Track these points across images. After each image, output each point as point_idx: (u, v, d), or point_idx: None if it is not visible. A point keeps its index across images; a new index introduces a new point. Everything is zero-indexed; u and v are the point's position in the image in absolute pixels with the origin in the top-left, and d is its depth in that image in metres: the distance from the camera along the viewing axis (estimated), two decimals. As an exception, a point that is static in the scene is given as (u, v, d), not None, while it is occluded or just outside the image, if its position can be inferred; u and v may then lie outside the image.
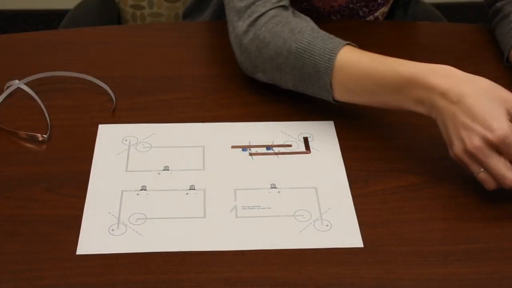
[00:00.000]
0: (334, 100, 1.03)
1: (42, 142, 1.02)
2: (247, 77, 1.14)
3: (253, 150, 1.01)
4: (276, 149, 1.01)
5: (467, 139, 0.90)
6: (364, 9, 1.30)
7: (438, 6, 1.61)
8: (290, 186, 0.96)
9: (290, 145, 1.02)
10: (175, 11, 1.52)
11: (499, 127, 0.88)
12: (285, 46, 1.02)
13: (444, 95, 0.91)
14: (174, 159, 0.99)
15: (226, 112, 1.07)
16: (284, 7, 1.07)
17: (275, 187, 0.95)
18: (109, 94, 1.10)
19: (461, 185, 0.97)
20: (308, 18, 1.06)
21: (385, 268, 0.85)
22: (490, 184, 0.91)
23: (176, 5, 1.51)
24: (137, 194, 0.94)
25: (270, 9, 1.05)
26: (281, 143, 1.02)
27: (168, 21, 1.51)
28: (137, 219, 0.91)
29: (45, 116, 1.06)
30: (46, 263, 0.85)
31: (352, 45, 1.02)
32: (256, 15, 1.05)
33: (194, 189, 0.95)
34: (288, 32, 1.03)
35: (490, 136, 0.88)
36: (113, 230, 0.89)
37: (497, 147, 0.89)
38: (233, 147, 1.02)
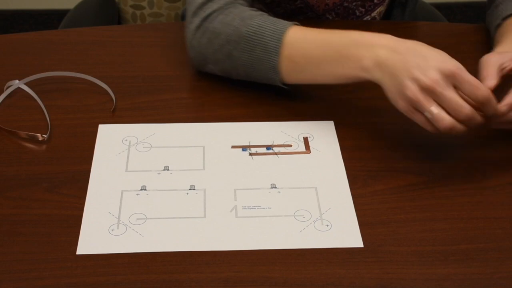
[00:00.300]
0: (282, 83, 1.05)
1: (42, 142, 1.02)
2: (247, 77, 1.14)
3: (253, 150, 1.01)
4: (276, 149, 1.01)
5: (422, 76, 0.91)
6: (360, 9, 1.30)
7: (438, 6, 1.61)
8: (290, 186, 0.96)
9: (290, 145, 1.02)
10: (175, 11, 1.52)
11: (452, 60, 0.92)
12: (236, 32, 1.05)
13: (390, 48, 0.95)
14: (174, 159, 0.99)
15: (226, 112, 1.07)
16: (240, 3, 1.09)
17: (275, 187, 0.95)
18: (109, 94, 1.10)
19: (461, 185, 0.97)
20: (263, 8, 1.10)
21: (385, 268, 0.85)
22: (446, 120, 0.91)
23: (176, 5, 1.51)
24: (137, 194, 0.94)
25: (225, 4, 1.08)
26: (281, 143, 1.02)
27: (168, 21, 1.51)
28: (137, 219, 0.91)
29: (45, 116, 1.06)
30: (46, 263, 0.85)
31: (300, 26, 1.05)
32: (209, 11, 1.08)
33: (194, 189, 0.95)
34: (239, 20, 1.06)
35: (446, 66, 0.90)
36: (113, 230, 0.89)
37: (453, 79, 0.90)
38: (233, 147, 1.02)
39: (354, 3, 1.28)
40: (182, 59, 1.19)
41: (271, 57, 1.03)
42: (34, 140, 1.02)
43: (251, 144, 1.02)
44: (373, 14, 1.32)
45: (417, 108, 0.93)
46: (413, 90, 0.92)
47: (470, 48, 1.25)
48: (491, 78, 0.97)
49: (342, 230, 0.90)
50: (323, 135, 1.04)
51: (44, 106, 1.07)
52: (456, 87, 0.91)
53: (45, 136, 1.02)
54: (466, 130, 0.93)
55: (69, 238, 0.88)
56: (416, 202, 0.94)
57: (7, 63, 1.19)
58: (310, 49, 1.01)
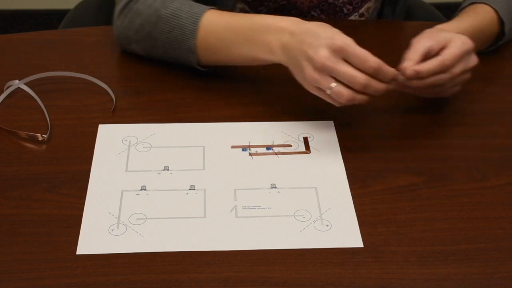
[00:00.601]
0: (199, 65, 1.10)
1: (42, 142, 1.02)
2: (247, 77, 1.14)
3: (253, 150, 1.01)
4: (276, 149, 1.01)
5: (314, 55, 0.95)
6: (348, 6, 1.30)
7: (438, 6, 1.60)
8: (290, 186, 0.96)
9: (290, 145, 1.02)
10: (175, 11, 1.51)
11: (342, 35, 0.95)
12: (156, 13, 1.10)
13: (291, 31, 0.99)
14: (174, 159, 0.99)
15: (226, 112, 1.07)
16: None
17: (275, 187, 0.95)
18: (109, 94, 1.10)
19: (461, 185, 0.97)
20: None
21: (385, 268, 0.85)
22: (344, 93, 0.95)
23: (176, 5, 1.51)
24: (137, 194, 0.94)
25: None
26: (281, 143, 1.02)
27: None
28: (137, 219, 0.91)
29: (45, 116, 1.06)
30: (46, 263, 0.85)
31: (217, 10, 1.10)
32: None
33: (194, 189, 0.95)
34: (160, 2, 1.11)
35: (334, 42, 0.94)
36: (113, 230, 0.89)
37: (342, 54, 0.94)
38: (233, 147, 1.02)
39: (340, 0, 1.29)
40: (182, 59, 1.18)
41: (188, 40, 1.08)
42: (34, 140, 1.02)
43: (251, 144, 1.02)
44: (361, 11, 1.32)
45: (318, 86, 0.97)
46: (309, 70, 0.96)
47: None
48: (411, 61, 0.98)
49: (342, 230, 0.90)
50: (323, 135, 1.04)
51: (44, 106, 1.07)
52: (346, 61, 0.95)
53: (45, 136, 1.02)
54: (368, 98, 0.96)
55: (69, 238, 0.88)
56: (416, 202, 0.94)
57: (7, 63, 1.19)
58: (223, 32, 1.06)
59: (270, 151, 1.01)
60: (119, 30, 1.16)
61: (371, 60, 0.94)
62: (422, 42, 1.00)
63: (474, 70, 1.04)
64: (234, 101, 1.10)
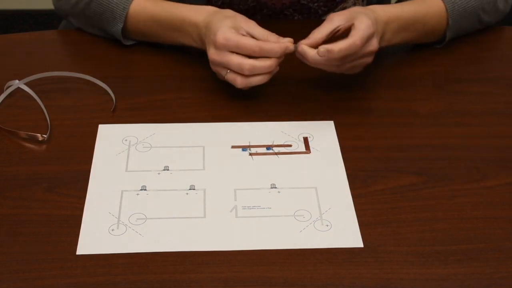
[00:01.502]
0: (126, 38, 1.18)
1: (42, 142, 1.02)
2: (247, 77, 1.14)
3: (253, 150, 1.01)
4: (276, 149, 1.01)
5: (208, 50, 1.05)
6: (323, 8, 1.30)
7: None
8: (290, 186, 0.96)
9: (290, 145, 1.02)
10: (175, 11, 1.51)
11: (222, 31, 1.02)
12: None
13: (203, 27, 1.07)
14: (174, 159, 0.99)
15: (226, 112, 1.07)
16: None
17: (275, 187, 0.95)
18: (109, 94, 1.10)
19: (461, 185, 0.97)
20: None
21: (385, 268, 0.85)
22: (236, 79, 1.03)
23: (176, 5, 1.51)
24: (137, 194, 0.94)
25: None
26: (281, 143, 1.02)
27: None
28: (137, 219, 0.91)
29: (45, 116, 1.06)
30: (46, 263, 0.85)
31: None
32: None
33: (194, 189, 0.95)
34: None
35: (216, 39, 1.02)
36: (113, 230, 0.89)
37: (226, 48, 1.02)
38: (233, 147, 1.02)
39: (315, 4, 1.29)
40: (182, 59, 1.18)
41: (117, 24, 1.15)
42: (34, 140, 1.02)
43: (251, 144, 1.02)
44: (335, 10, 1.31)
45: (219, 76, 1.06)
46: (210, 63, 1.06)
47: (469, 48, 1.24)
48: (314, 38, 1.03)
49: (342, 230, 0.90)
50: (323, 135, 1.04)
51: (44, 106, 1.07)
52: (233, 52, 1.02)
53: (45, 136, 1.02)
54: (267, 76, 1.03)
55: (69, 238, 0.88)
56: (416, 202, 0.94)
57: (7, 63, 1.19)
58: (150, 21, 1.14)
59: (270, 151, 1.01)
60: (57, 2, 1.23)
61: (251, 44, 1.01)
62: (333, 20, 1.04)
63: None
64: (234, 101, 1.10)
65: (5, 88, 1.11)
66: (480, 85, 1.16)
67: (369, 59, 1.06)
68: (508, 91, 1.15)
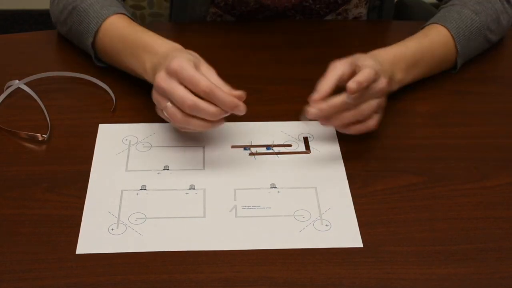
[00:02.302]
0: (97, 59, 1.15)
1: (42, 142, 1.02)
2: (246, 77, 1.14)
3: (253, 150, 1.01)
4: (276, 149, 1.01)
5: (156, 76, 0.95)
6: (324, 9, 1.30)
7: (437, 6, 1.60)
8: (290, 186, 0.96)
9: (290, 145, 1.02)
10: (175, 11, 1.51)
11: (179, 59, 0.94)
12: (73, 3, 1.15)
13: (161, 57, 0.99)
14: (174, 159, 0.99)
15: (226, 112, 1.07)
16: None
17: (275, 187, 0.95)
18: (109, 94, 1.10)
19: (461, 185, 0.97)
20: None
21: (385, 268, 0.85)
22: (177, 116, 0.93)
23: (176, 5, 1.51)
24: (137, 194, 0.94)
25: None
26: (281, 143, 1.02)
27: (168, 21, 1.50)
28: (137, 218, 0.91)
29: (45, 116, 1.06)
30: (46, 263, 0.85)
31: (127, 15, 1.13)
32: None
33: (194, 188, 0.95)
34: None
35: (170, 64, 0.94)
36: (112, 229, 0.89)
37: (176, 76, 0.93)
38: (233, 147, 1.02)
39: (317, 5, 1.29)
40: (182, 59, 1.18)
41: (88, 37, 1.13)
42: (34, 140, 1.02)
43: (251, 144, 1.02)
44: (337, 11, 1.31)
45: (159, 107, 0.97)
46: (153, 91, 0.97)
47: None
48: (324, 90, 0.96)
49: (341, 230, 0.90)
50: (323, 135, 1.04)
51: (44, 106, 1.07)
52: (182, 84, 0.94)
53: (45, 136, 1.02)
54: (205, 125, 0.94)
55: (69, 238, 0.88)
56: (416, 202, 0.94)
57: (7, 63, 1.19)
58: (116, 41, 1.10)
59: (270, 151, 1.01)
60: (51, 8, 1.22)
61: (203, 83, 0.92)
62: (337, 68, 0.98)
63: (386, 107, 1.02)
64: (234, 101, 1.09)
65: (5, 88, 1.11)
66: (480, 85, 1.16)
67: (380, 101, 0.99)
68: (508, 91, 1.15)
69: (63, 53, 1.20)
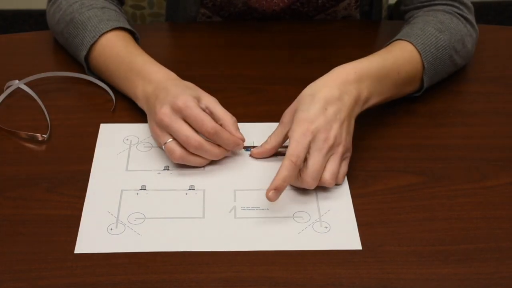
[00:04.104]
0: (90, 71, 1.13)
1: (42, 142, 1.02)
2: (247, 77, 1.14)
3: (254, 150, 1.01)
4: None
5: (158, 109, 0.96)
6: (313, 12, 1.30)
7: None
8: (289, 187, 0.95)
9: (290, 145, 1.02)
10: (175, 11, 1.51)
11: (185, 96, 0.95)
12: (70, 15, 1.13)
13: (155, 86, 1.00)
14: (174, 159, 0.99)
15: (226, 112, 1.07)
16: None
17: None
18: (109, 94, 1.10)
19: (461, 185, 0.97)
20: (113, 5, 1.16)
21: (385, 268, 0.85)
22: (176, 153, 0.95)
23: (176, 5, 1.51)
24: (137, 194, 0.94)
25: None
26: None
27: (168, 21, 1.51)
28: (136, 218, 0.91)
29: (45, 116, 1.06)
30: (46, 263, 0.85)
31: (126, 30, 1.12)
32: None
33: (193, 189, 0.95)
34: (79, 5, 1.14)
35: (175, 101, 0.94)
36: (111, 229, 0.89)
37: (182, 114, 0.94)
38: (233, 147, 1.01)
39: (306, 9, 1.28)
40: (181, 59, 1.19)
41: (82, 51, 1.11)
42: (34, 140, 1.02)
43: (253, 145, 1.02)
44: (327, 12, 1.31)
45: (158, 141, 0.98)
46: (152, 124, 0.98)
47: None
48: (265, 147, 1.00)
49: (340, 232, 0.90)
50: (323, 135, 1.04)
51: (44, 106, 1.07)
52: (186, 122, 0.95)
53: (45, 136, 1.02)
54: (206, 161, 0.97)
55: (69, 238, 0.88)
56: (416, 202, 0.94)
57: (7, 63, 1.19)
58: (110, 60, 1.09)
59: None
60: (47, 17, 1.20)
61: (208, 124, 0.94)
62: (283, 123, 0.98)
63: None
64: (234, 101, 1.09)
65: (5, 88, 1.11)
66: (480, 85, 1.16)
67: (341, 154, 0.94)
68: (508, 91, 1.15)
69: (63, 53, 1.20)
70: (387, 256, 0.87)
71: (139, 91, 1.02)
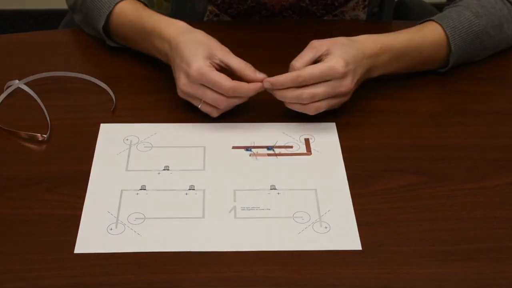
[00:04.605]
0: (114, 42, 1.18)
1: (42, 142, 1.02)
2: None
3: (254, 151, 1.01)
4: (277, 150, 1.01)
5: (179, 78, 1.02)
6: (321, 11, 1.30)
7: (438, 6, 1.60)
8: (290, 187, 0.95)
9: (291, 146, 1.02)
10: (175, 11, 1.51)
11: (197, 63, 0.99)
12: None
13: (170, 46, 1.05)
14: (174, 159, 0.99)
15: (227, 113, 1.07)
16: None
17: (275, 189, 0.95)
18: (109, 94, 1.10)
19: (461, 185, 0.97)
20: None
21: (385, 268, 0.85)
22: (212, 112, 1.03)
23: (176, 5, 1.50)
24: (137, 194, 0.94)
25: None
26: (282, 144, 1.02)
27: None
28: (136, 218, 0.90)
29: (45, 116, 1.06)
30: (46, 263, 0.85)
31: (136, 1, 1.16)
32: None
33: (193, 189, 0.95)
34: None
35: (189, 71, 1.00)
36: (111, 229, 0.89)
37: (198, 81, 1.00)
38: (233, 147, 1.02)
39: (314, 6, 1.28)
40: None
41: (100, 22, 1.14)
42: (34, 140, 1.02)
43: (252, 145, 1.02)
44: (334, 13, 1.31)
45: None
46: (179, 89, 1.03)
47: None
48: (298, 63, 1.03)
49: (340, 232, 0.89)
50: (325, 137, 1.04)
51: (44, 106, 1.07)
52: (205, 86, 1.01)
53: (45, 136, 1.02)
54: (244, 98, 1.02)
55: (69, 238, 0.88)
56: (416, 202, 0.94)
57: (7, 63, 1.19)
58: (128, 26, 1.13)
59: (271, 152, 1.01)
60: (67, 1, 1.25)
61: (225, 86, 0.99)
62: (316, 46, 1.03)
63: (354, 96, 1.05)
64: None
65: (5, 88, 1.11)
66: (480, 85, 1.16)
67: (337, 101, 1.03)
68: (508, 91, 1.15)
69: (63, 53, 1.20)
70: (387, 256, 0.87)
71: (158, 50, 1.07)
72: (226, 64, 1.02)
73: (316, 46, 1.03)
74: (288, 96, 1.02)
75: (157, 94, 1.11)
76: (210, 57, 1.01)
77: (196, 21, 1.30)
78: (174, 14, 1.34)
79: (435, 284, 0.84)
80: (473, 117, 1.09)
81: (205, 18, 1.31)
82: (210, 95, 1.00)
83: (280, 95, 1.02)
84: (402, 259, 0.86)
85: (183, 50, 1.02)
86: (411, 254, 0.87)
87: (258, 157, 1.00)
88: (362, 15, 1.33)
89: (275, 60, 1.19)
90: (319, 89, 1.01)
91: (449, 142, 1.04)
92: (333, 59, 1.01)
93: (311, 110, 1.02)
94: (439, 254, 0.87)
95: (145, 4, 1.17)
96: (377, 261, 0.86)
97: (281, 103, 1.08)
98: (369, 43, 1.06)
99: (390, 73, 1.10)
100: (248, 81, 1.02)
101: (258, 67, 1.12)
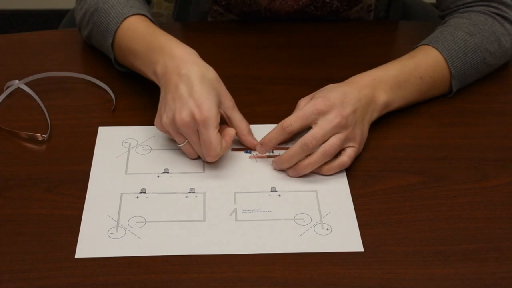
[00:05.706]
0: (116, 62, 1.13)
1: (42, 142, 1.02)
2: (248, 78, 1.14)
3: (254, 153, 1.01)
4: (277, 152, 1.01)
5: (178, 111, 0.94)
6: (326, 17, 1.30)
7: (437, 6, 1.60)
8: (290, 189, 0.95)
9: (290, 146, 1.02)
10: (175, 11, 1.51)
11: (208, 109, 0.93)
12: (95, 5, 1.13)
13: (177, 65, 0.97)
14: (174, 162, 0.99)
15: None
16: None
17: (275, 191, 0.95)
18: (109, 94, 1.10)
19: (461, 185, 0.97)
20: None
21: (385, 268, 0.85)
22: (192, 155, 0.98)
23: (176, 5, 1.50)
24: (137, 197, 0.94)
25: None
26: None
27: (168, 21, 1.51)
28: (136, 222, 0.90)
29: (45, 116, 1.06)
30: (46, 263, 0.85)
31: (146, 16, 1.10)
32: None
33: (194, 192, 0.95)
34: None
35: (197, 114, 0.93)
36: (112, 233, 0.89)
37: (198, 126, 0.94)
38: (233, 149, 1.01)
39: (319, 12, 1.28)
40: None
41: (108, 37, 1.10)
42: (34, 140, 1.02)
43: (251, 145, 1.02)
44: (339, 17, 1.31)
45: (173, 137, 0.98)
46: (167, 123, 0.95)
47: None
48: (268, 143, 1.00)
49: (342, 234, 0.89)
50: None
51: (44, 106, 1.07)
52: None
53: (45, 136, 1.02)
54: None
55: (69, 238, 0.88)
56: (416, 202, 0.94)
57: (7, 63, 1.19)
58: (132, 41, 1.07)
59: (271, 154, 1.01)
60: (75, 13, 1.20)
61: (212, 152, 0.94)
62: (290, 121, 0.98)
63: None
64: (236, 101, 1.09)
65: (5, 88, 1.11)
66: (480, 85, 1.15)
67: (342, 136, 0.96)
68: (507, 91, 1.15)
69: (63, 53, 1.20)
70: (387, 256, 0.87)
71: (159, 66, 0.99)
72: (228, 117, 0.98)
73: (299, 107, 1.00)
74: (301, 167, 0.96)
75: (157, 94, 1.11)
76: (218, 105, 0.96)
77: (200, 21, 1.31)
78: (178, 13, 1.34)
79: (435, 284, 0.84)
80: (473, 117, 1.09)
81: (210, 17, 1.31)
82: (197, 143, 0.96)
83: (293, 173, 0.97)
84: (402, 259, 0.86)
85: (196, 84, 0.95)
86: (411, 254, 0.87)
87: (258, 159, 1.00)
88: (367, 17, 1.33)
89: (278, 61, 1.19)
90: (315, 141, 0.96)
91: (449, 142, 1.04)
92: (312, 101, 0.98)
93: (345, 159, 0.97)
94: (439, 254, 0.87)
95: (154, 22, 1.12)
96: (377, 261, 0.86)
97: (281, 106, 1.08)
98: (356, 80, 1.02)
99: (404, 105, 1.06)
100: (242, 141, 1.00)
101: (258, 67, 1.13)
